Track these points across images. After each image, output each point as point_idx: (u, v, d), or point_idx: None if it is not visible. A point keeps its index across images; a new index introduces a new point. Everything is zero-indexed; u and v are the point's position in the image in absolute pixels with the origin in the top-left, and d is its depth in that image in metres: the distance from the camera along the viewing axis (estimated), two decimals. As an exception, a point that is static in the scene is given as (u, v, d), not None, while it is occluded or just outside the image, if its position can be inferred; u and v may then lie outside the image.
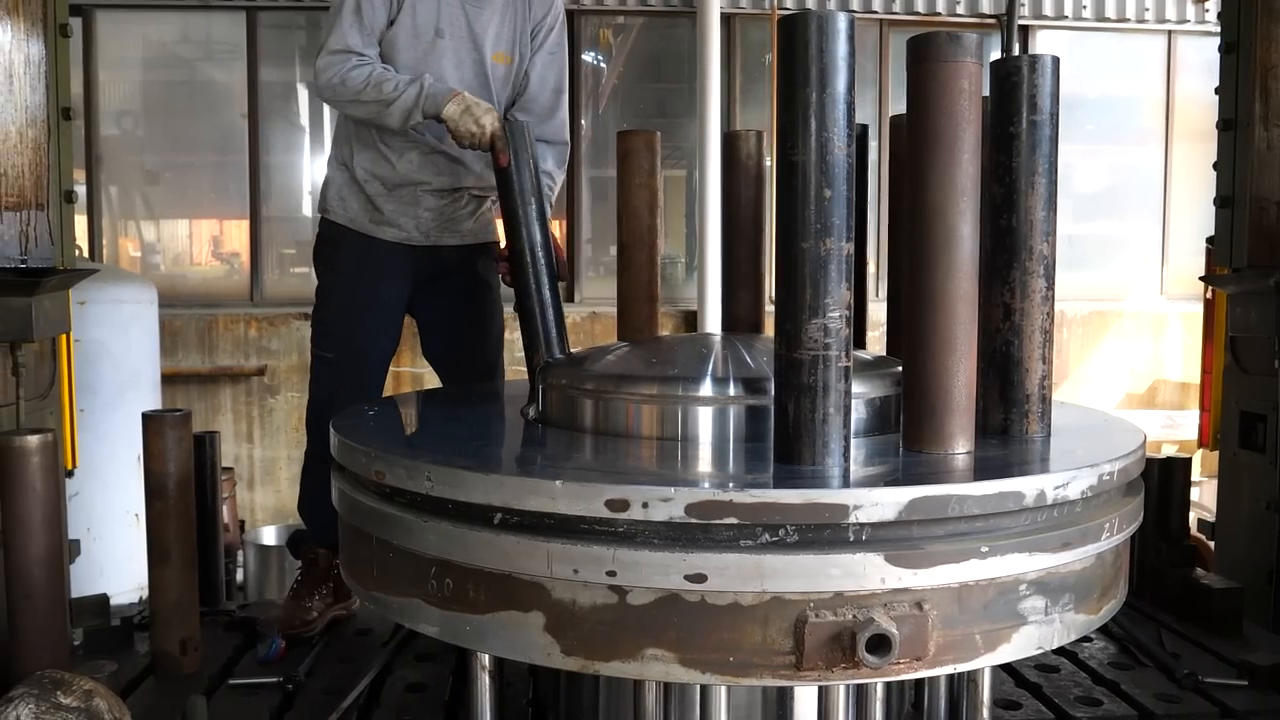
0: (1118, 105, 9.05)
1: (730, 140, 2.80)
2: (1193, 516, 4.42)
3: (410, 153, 3.16)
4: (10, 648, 2.53)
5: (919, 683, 2.33)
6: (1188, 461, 3.58)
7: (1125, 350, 8.83)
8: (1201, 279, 4.02)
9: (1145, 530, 3.49)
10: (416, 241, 3.23)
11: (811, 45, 1.68)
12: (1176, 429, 7.92)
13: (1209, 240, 3.85)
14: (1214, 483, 4.05)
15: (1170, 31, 8.74)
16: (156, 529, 2.85)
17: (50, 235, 3.12)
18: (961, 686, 2.17)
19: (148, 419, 2.86)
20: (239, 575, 6.07)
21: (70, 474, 3.58)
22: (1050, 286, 2.07)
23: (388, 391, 3.24)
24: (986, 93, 2.01)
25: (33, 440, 2.53)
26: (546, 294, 2.65)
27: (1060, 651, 2.98)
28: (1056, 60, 2.02)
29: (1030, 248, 2.03)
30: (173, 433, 2.85)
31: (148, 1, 8.04)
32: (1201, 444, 4.35)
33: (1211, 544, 3.98)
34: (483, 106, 2.90)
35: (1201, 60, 8.45)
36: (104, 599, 3.28)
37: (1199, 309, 4.81)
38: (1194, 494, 6.25)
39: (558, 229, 3.00)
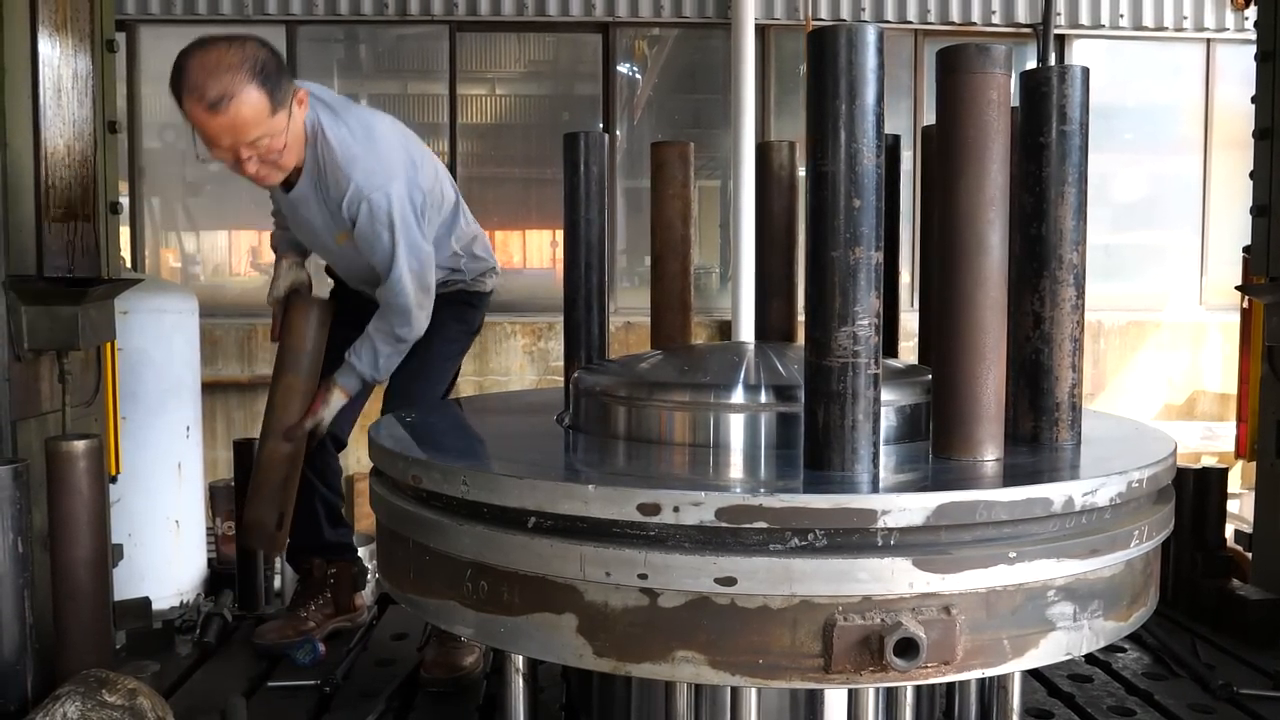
0: (1156, 114, 9.00)
1: (763, 151, 2.82)
2: (1231, 528, 4.39)
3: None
4: (55, 647, 2.59)
5: (950, 689, 2.35)
6: (1224, 472, 3.57)
7: (1163, 361, 8.77)
8: (1238, 288, 4.00)
9: (1181, 541, 3.48)
10: (353, 285, 3.29)
11: (841, 58, 1.70)
12: (1216, 440, 7.85)
13: (1246, 249, 3.83)
14: (1253, 494, 4.01)
15: (1209, 40, 8.68)
16: (282, 403, 3.00)
17: (96, 246, 3.18)
18: (992, 693, 2.18)
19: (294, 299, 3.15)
20: (276, 581, 6.14)
21: (114, 480, 3.64)
22: (1080, 295, 2.07)
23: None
24: (1016, 103, 2.03)
25: (80, 445, 2.58)
26: (594, 308, 2.69)
27: (1093, 661, 2.98)
28: (1086, 71, 2.03)
29: (1060, 256, 2.04)
30: (316, 314, 3.09)
31: (189, 16, 8.17)
32: (1239, 455, 4.31)
33: (1249, 555, 3.95)
34: (276, 280, 3.21)
35: (1241, 68, 8.38)
36: (146, 602, 3.34)
37: (1238, 319, 4.78)
38: (1234, 506, 6.21)
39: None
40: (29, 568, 2.47)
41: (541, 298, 8.38)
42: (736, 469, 1.99)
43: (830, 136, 1.72)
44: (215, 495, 5.92)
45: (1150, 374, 8.76)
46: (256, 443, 3.05)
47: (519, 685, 2.07)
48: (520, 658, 2.02)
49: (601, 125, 8.40)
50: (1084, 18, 8.55)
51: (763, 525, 1.63)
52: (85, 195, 3.13)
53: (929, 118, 1.83)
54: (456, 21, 8.33)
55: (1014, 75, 1.95)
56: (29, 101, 2.87)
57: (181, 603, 4.77)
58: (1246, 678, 2.90)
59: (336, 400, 3.05)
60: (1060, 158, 2.01)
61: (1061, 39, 8.57)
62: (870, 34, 1.71)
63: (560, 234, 2.82)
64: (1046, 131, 2.02)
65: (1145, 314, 8.79)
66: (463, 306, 3.34)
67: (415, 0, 8.24)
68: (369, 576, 3.67)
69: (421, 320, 3.03)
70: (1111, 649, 3.04)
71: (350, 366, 3.04)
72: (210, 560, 5.92)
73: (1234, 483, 6.74)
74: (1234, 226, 8.02)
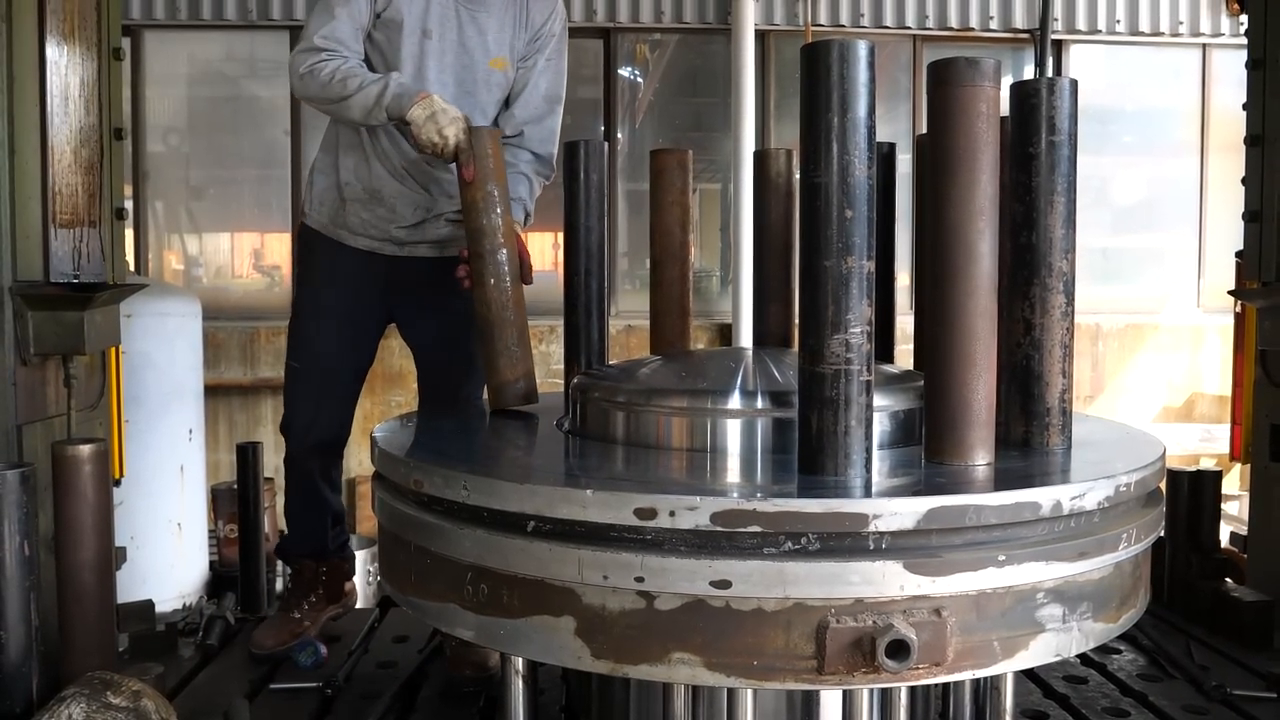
0: (1154, 118, 9.02)
1: (761, 158, 2.85)
2: (1228, 530, 4.41)
3: (390, 161, 3.07)
4: (60, 650, 2.62)
5: (944, 690, 2.37)
6: (1218, 474, 3.60)
7: (1162, 363, 8.79)
8: (1231, 293, 4.04)
9: (1176, 543, 3.52)
10: (389, 251, 3.14)
11: (833, 72, 1.73)
12: (1214, 442, 7.87)
13: (1238, 254, 3.87)
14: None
15: (1205, 45, 8.71)
16: (509, 243, 2.73)
17: (102, 251, 3.22)
18: (986, 694, 2.21)
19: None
20: (278, 584, 6.17)
21: (118, 483, 3.67)
22: (1070, 302, 2.10)
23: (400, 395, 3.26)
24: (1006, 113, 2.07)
25: (85, 449, 2.62)
26: (594, 314, 2.72)
27: (1088, 663, 3.01)
28: (1074, 83, 2.06)
29: (1050, 265, 2.07)
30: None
31: (194, 22, 8.20)
32: (1233, 457, 4.34)
33: (1245, 556, 3.98)
34: (449, 114, 2.73)
35: (1237, 73, 8.34)
36: (149, 604, 3.37)
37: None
38: (1231, 508, 6.23)
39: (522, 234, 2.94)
40: (35, 570, 2.50)
41: (543, 300, 8.33)
42: (732, 474, 2.01)
43: (823, 149, 1.75)
44: (217, 498, 5.96)
45: (1149, 376, 8.79)
46: (483, 294, 2.71)
47: (519, 687, 2.10)
48: (520, 660, 2.05)
49: (603, 128, 8.43)
50: (1081, 23, 8.58)
51: (757, 529, 1.66)
52: (91, 201, 3.16)
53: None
54: (458, 26, 8.35)
55: (1010, 79, 1.99)
56: (37, 108, 2.90)
57: (184, 605, 4.80)
58: (1241, 679, 2.93)
59: None
60: (1050, 168, 2.04)
61: (1059, 44, 8.59)
62: (862, 49, 1.75)
63: (561, 236, 2.85)
64: (1036, 142, 2.05)
65: (1144, 316, 8.81)
66: None
67: (417, 5, 8.26)
68: (369, 574, 3.70)
69: None
70: (1106, 650, 3.07)
71: (521, 203, 3.03)
72: (212, 563, 5.95)
73: (1231, 485, 6.77)
74: (1231, 229, 8.02)
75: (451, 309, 3.16)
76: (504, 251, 2.71)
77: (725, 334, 8.30)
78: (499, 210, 2.71)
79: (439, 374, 3.27)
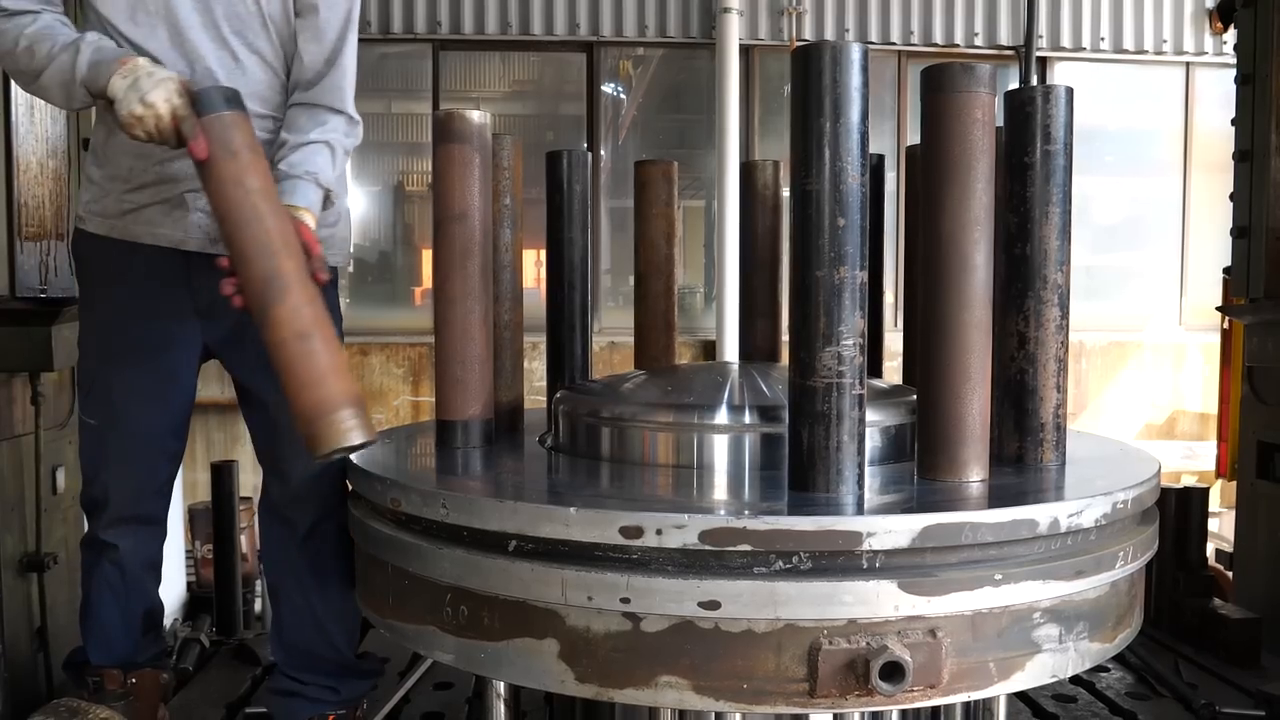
0: (1136, 137, 9.06)
1: (747, 170, 2.82)
2: (1212, 547, 4.39)
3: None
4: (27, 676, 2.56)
5: (935, 711, 2.33)
6: (1205, 492, 3.58)
7: (1144, 381, 8.81)
8: (1218, 309, 4.03)
9: (1163, 560, 3.49)
10: (191, 247, 2.29)
11: (826, 75, 1.69)
12: (1196, 459, 7.89)
13: (1226, 271, 3.85)
14: (1234, 513, 4.03)
15: (1188, 64, 8.75)
16: (285, 249, 1.99)
17: (70, 265, 3.16)
18: (978, 715, 2.16)
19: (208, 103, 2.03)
20: (257, 605, 6.08)
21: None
22: (1065, 315, 2.07)
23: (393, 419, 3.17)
24: (1000, 123, 2.03)
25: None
26: (578, 328, 2.67)
27: (1078, 681, 2.98)
28: (1070, 91, 2.02)
29: (1044, 277, 2.04)
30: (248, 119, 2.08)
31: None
32: (1219, 474, 4.33)
33: (1230, 574, 3.96)
34: (156, 77, 1.99)
35: (1219, 92, 8.46)
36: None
37: (1218, 340, 4.82)
38: (1214, 525, 6.23)
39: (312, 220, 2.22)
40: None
41: (526, 317, 8.34)
42: (720, 491, 1.96)
43: (815, 155, 1.71)
44: (194, 518, 5.88)
45: (1131, 394, 8.80)
46: (260, 314, 1.95)
47: (501, 712, 2.05)
48: (502, 684, 2.00)
49: (586, 145, 8.41)
50: (1065, 40, 8.61)
51: (747, 548, 1.61)
52: (59, 213, 3.10)
53: (912, 138, 1.84)
54: (440, 40, 8.32)
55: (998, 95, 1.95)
56: (1, 119, 2.84)
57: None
58: (1229, 697, 2.91)
59: (313, 227, 2.20)
60: (1045, 177, 2.01)
61: (1043, 61, 8.62)
62: (855, 52, 1.70)
63: (544, 254, 2.81)
64: (1031, 151, 2.01)
65: (1126, 334, 8.83)
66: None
67: (398, 19, 8.23)
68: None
69: None
70: (1095, 669, 3.04)
71: (309, 179, 2.22)
72: (189, 584, 5.86)
73: (1213, 501, 6.76)
74: (1213, 248, 8.07)
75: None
76: (278, 260, 1.96)
77: (709, 351, 8.27)
78: (271, 212, 1.99)
79: (283, 428, 2.34)
